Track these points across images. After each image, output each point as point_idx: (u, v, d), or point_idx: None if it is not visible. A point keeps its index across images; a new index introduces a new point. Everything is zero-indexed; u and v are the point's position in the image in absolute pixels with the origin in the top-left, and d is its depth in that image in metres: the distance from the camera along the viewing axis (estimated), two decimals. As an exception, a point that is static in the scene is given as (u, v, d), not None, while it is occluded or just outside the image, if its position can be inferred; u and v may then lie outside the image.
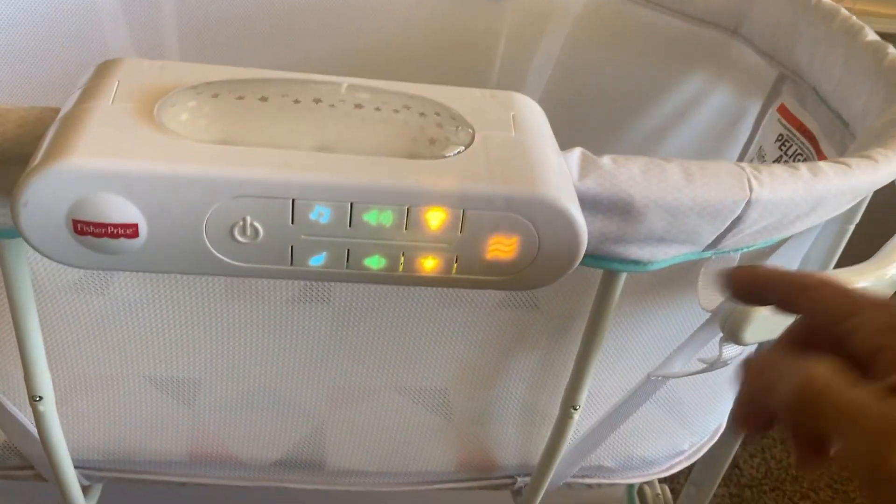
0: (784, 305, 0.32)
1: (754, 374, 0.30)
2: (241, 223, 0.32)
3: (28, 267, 0.40)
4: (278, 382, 0.55)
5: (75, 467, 0.53)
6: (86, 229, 0.31)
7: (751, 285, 0.33)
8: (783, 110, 0.66)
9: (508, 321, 0.53)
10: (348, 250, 0.33)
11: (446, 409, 0.57)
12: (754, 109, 0.69)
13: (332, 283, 0.49)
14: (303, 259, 0.34)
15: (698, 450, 0.63)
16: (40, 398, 0.45)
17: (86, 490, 0.57)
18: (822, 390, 0.27)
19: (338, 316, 0.52)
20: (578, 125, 0.78)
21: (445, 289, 0.49)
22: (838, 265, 0.55)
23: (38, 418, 0.47)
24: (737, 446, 0.70)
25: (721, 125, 0.71)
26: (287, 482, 0.57)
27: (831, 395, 0.26)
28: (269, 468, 0.56)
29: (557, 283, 0.49)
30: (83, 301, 0.49)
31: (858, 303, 0.29)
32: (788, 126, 0.65)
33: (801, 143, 0.64)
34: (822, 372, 0.27)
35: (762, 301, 0.33)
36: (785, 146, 0.65)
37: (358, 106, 0.34)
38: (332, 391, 0.56)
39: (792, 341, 0.32)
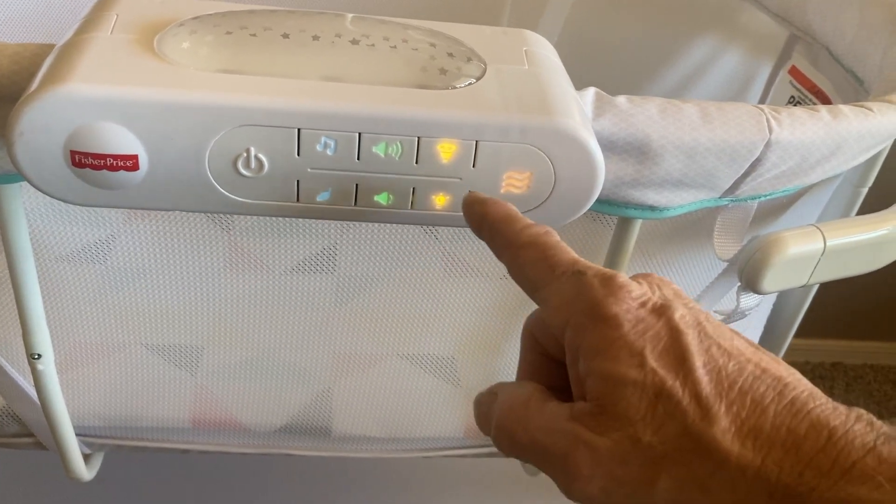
0: (496, 255, 0.30)
1: (475, 405, 0.30)
2: (244, 155, 0.31)
3: (24, 215, 0.39)
4: (282, 349, 0.54)
5: (76, 434, 0.52)
6: (84, 161, 0.30)
7: (475, 217, 0.31)
8: (794, 72, 0.65)
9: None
10: (357, 185, 0.32)
11: (454, 376, 0.56)
12: (765, 72, 0.68)
13: (336, 254, 0.48)
14: (310, 195, 0.32)
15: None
16: (39, 356, 0.44)
17: (86, 459, 0.55)
18: (508, 427, 0.27)
19: (342, 285, 0.51)
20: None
21: (451, 262, 0.48)
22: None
23: (37, 378, 0.45)
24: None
25: (731, 89, 0.70)
26: (292, 449, 0.56)
27: (517, 427, 0.27)
28: (274, 434, 0.55)
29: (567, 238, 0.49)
30: (82, 270, 0.48)
31: (554, 270, 0.28)
32: (800, 87, 0.64)
33: (813, 104, 0.62)
34: (510, 402, 0.28)
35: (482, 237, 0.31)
36: (797, 108, 0.64)
37: (365, 36, 0.33)
38: (338, 357, 0.55)
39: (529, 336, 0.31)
